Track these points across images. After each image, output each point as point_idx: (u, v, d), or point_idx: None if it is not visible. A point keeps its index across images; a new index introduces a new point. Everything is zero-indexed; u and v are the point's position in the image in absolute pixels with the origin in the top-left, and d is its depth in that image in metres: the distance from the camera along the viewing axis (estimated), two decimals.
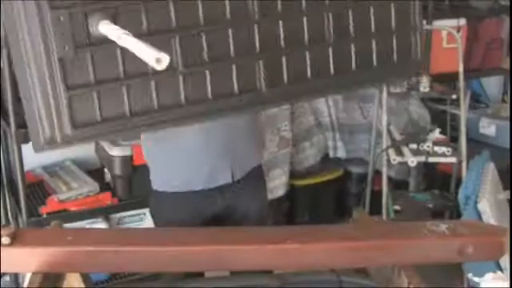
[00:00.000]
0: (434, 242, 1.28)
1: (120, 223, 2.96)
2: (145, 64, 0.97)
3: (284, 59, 1.23)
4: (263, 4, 1.17)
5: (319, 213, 3.62)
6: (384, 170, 3.23)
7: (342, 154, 3.68)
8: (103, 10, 1.04)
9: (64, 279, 1.32)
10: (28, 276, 1.27)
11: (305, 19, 1.22)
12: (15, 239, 1.19)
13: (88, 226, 2.77)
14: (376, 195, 3.41)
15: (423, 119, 3.80)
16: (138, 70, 1.11)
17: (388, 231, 1.40)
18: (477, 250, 1.26)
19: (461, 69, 3.21)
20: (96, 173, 3.05)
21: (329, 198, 3.70)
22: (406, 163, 3.13)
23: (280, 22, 1.20)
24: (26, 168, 2.60)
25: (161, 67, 0.93)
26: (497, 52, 3.85)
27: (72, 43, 1.02)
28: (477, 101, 4.27)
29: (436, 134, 3.30)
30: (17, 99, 2.42)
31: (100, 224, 2.85)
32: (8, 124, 2.55)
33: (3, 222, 2.94)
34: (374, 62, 1.30)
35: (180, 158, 2.04)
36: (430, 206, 3.15)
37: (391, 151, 3.16)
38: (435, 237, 1.28)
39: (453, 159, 3.18)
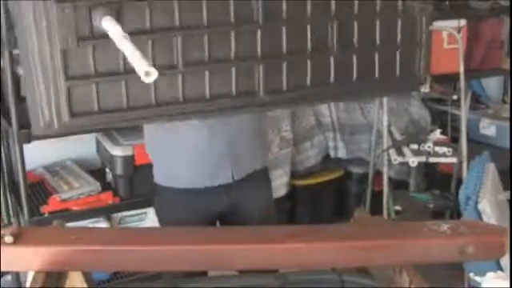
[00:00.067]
0: (435, 241, 1.28)
1: (121, 223, 2.96)
2: None
3: (284, 65, 1.23)
4: (268, 9, 1.18)
5: (320, 213, 3.63)
6: (385, 170, 3.23)
7: (342, 154, 3.68)
8: (107, 4, 1.05)
9: (66, 278, 1.32)
10: (30, 275, 1.27)
11: (309, 27, 1.22)
12: (18, 238, 1.19)
13: (90, 226, 2.77)
14: (377, 195, 3.41)
15: (424, 119, 3.80)
16: None
17: (390, 231, 1.40)
18: (478, 250, 1.26)
19: (461, 69, 3.22)
20: (97, 172, 3.06)
21: (329, 198, 3.71)
22: (406, 163, 3.14)
23: (284, 28, 1.20)
24: (27, 168, 2.61)
25: (149, 80, 0.96)
26: (497, 52, 3.84)
27: (75, 35, 1.05)
28: (477, 101, 4.28)
29: (437, 134, 3.31)
30: (18, 99, 2.44)
31: (101, 223, 2.86)
32: (10, 124, 2.55)
33: (5, 221, 2.94)
34: (376, 75, 1.30)
35: (183, 156, 2.04)
36: (431, 206, 3.14)
37: (392, 151, 3.17)
38: (437, 237, 1.28)
39: (453, 159, 3.18)
